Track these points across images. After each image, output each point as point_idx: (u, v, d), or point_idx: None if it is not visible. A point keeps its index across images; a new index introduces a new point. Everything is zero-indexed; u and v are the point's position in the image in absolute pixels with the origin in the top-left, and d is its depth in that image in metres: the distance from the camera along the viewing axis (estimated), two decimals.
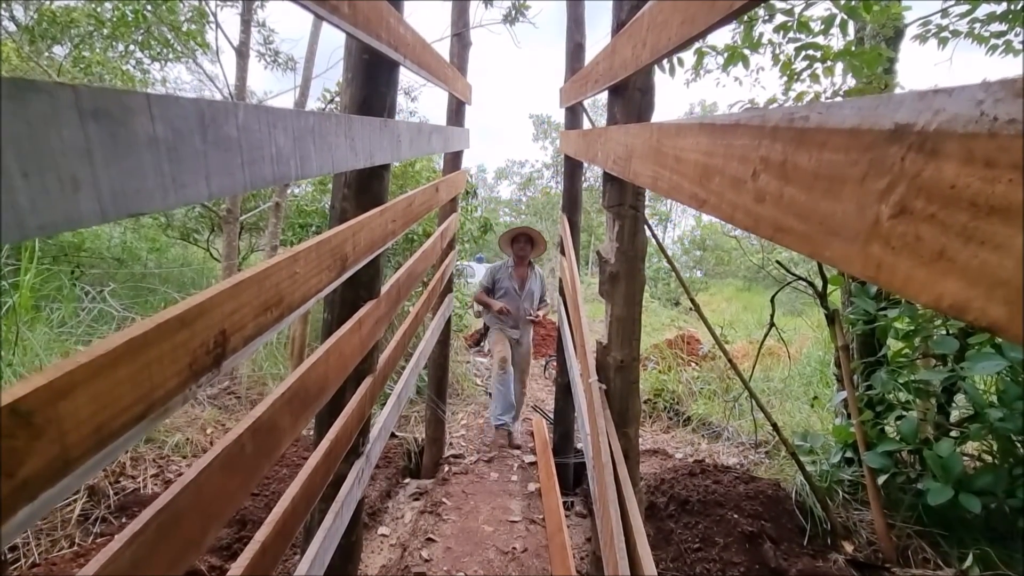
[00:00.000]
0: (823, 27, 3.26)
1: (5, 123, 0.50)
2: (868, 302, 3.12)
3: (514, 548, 3.17)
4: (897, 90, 3.46)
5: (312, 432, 1.90)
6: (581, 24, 4.21)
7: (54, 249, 5.46)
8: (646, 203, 2.16)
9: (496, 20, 6.04)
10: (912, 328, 2.99)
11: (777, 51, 3.70)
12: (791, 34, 3.36)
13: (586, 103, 3.72)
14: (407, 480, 4.11)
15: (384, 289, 2.08)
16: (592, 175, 15.58)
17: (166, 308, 0.78)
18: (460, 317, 7.09)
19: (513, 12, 6.00)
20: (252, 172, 0.94)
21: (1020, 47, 3.28)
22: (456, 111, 4.23)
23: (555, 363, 4.63)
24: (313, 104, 7.25)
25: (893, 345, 3.30)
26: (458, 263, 5.91)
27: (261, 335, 1.01)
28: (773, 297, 3.45)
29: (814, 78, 3.40)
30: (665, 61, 3.30)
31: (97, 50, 7.07)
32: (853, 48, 3.30)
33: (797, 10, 3.37)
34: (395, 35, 1.80)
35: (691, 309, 3.11)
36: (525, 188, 30.96)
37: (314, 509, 1.65)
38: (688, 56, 5.02)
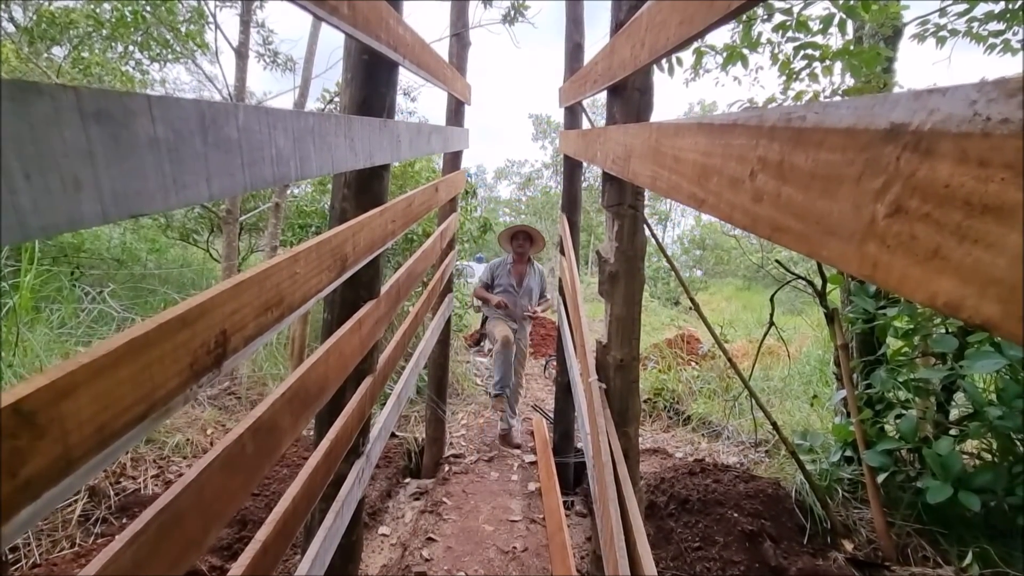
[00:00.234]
0: (822, 26, 3.27)
1: (8, 125, 0.51)
2: (867, 301, 3.12)
3: (514, 547, 3.17)
4: (896, 89, 3.46)
5: (312, 432, 1.91)
6: (580, 24, 4.21)
7: (54, 250, 5.47)
8: (646, 202, 2.16)
9: (495, 20, 6.04)
10: (911, 327, 2.99)
11: (776, 50, 3.70)
12: (790, 33, 3.36)
13: (585, 103, 3.73)
14: (407, 480, 4.11)
15: (384, 289, 2.08)
16: (592, 175, 15.58)
17: (166, 309, 0.78)
18: (460, 317, 7.09)
19: (512, 12, 6.00)
20: (252, 173, 0.94)
21: (1018, 46, 3.28)
22: (455, 111, 4.24)
23: (555, 363, 4.63)
24: (313, 104, 7.26)
25: (892, 344, 3.31)
26: (458, 263, 5.91)
27: (262, 335, 1.02)
28: (772, 296, 3.46)
29: (813, 77, 3.40)
30: (664, 61, 3.31)
31: (96, 51, 7.07)
32: (852, 47, 3.31)
33: (796, 9, 3.38)
34: (394, 35, 1.81)
35: (691, 308, 3.11)
36: (525, 188, 30.96)
37: (315, 509, 1.65)
38: (687, 56, 5.03)
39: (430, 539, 3.22)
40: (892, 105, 0.47)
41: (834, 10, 3.21)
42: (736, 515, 2.89)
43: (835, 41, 3.44)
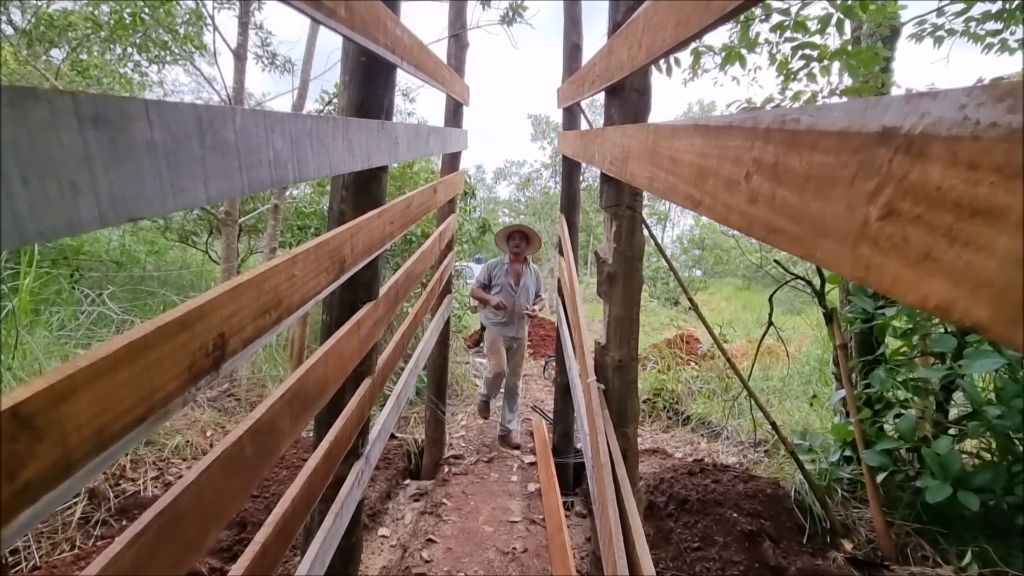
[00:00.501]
0: (819, 26, 3.27)
1: (6, 130, 0.51)
2: (866, 301, 3.13)
3: (514, 548, 3.18)
4: (894, 89, 3.47)
5: (311, 434, 1.91)
6: (578, 24, 4.22)
7: (53, 252, 5.46)
8: (645, 203, 2.17)
9: (493, 21, 6.05)
10: (910, 326, 3.00)
11: (774, 50, 3.71)
12: (787, 33, 3.37)
13: (584, 102, 3.73)
14: (407, 481, 4.11)
15: (383, 291, 2.08)
16: (591, 175, 15.58)
17: (165, 311, 0.78)
18: (459, 318, 7.10)
19: (510, 13, 6.01)
20: (250, 176, 0.94)
21: (1015, 45, 3.28)
22: (454, 112, 4.24)
23: (554, 363, 4.63)
24: (311, 105, 7.26)
25: (891, 343, 3.31)
26: (457, 264, 5.92)
27: (260, 337, 1.02)
28: (771, 296, 3.46)
29: (811, 77, 3.41)
30: (662, 61, 3.31)
31: (95, 53, 7.07)
32: (850, 47, 3.31)
33: (793, 10, 3.38)
34: (392, 37, 1.81)
35: (690, 308, 3.11)
36: (524, 188, 30.97)
37: (314, 510, 1.65)
38: (685, 56, 5.03)
39: (430, 540, 3.22)
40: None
41: (832, 10, 3.21)
42: (735, 515, 2.89)
43: (833, 41, 3.45)
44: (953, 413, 3.15)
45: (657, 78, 2.56)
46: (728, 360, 3.12)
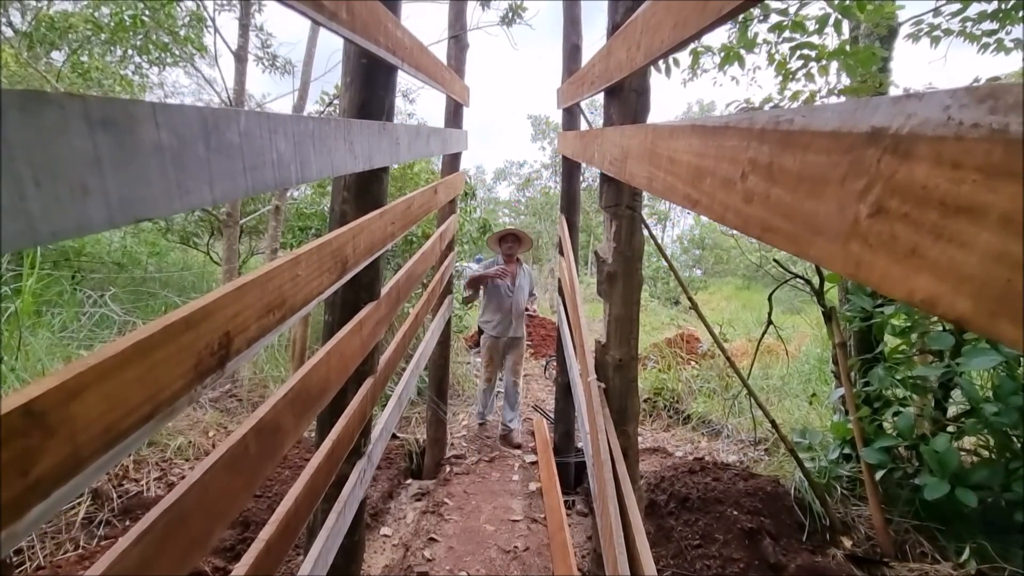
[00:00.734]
0: (817, 27, 3.28)
1: (18, 134, 0.52)
2: (864, 299, 3.14)
3: (516, 547, 3.19)
4: (892, 88, 3.48)
5: (314, 433, 1.92)
6: (578, 25, 4.23)
7: (55, 254, 5.48)
8: (644, 202, 2.18)
9: (493, 22, 6.06)
10: (908, 324, 3.01)
11: (772, 50, 3.72)
12: (786, 34, 3.38)
13: (584, 103, 3.74)
14: (409, 481, 4.13)
15: (384, 291, 2.10)
16: (590, 175, 15.60)
17: (167, 312, 0.80)
18: (460, 318, 7.11)
19: (510, 14, 6.02)
20: (254, 177, 0.96)
21: (1011, 45, 3.30)
22: (454, 113, 4.25)
23: (555, 363, 4.65)
24: (312, 106, 7.27)
25: (890, 342, 3.33)
26: (457, 264, 5.93)
27: (264, 337, 1.03)
28: (770, 296, 3.47)
29: (809, 77, 3.42)
30: (661, 62, 3.32)
31: (95, 55, 7.08)
32: (848, 47, 3.32)
33: (792, 10, 3.39)
34: (393, 39, 1.82)
35: (690, 308, 3.13)
36: (524, 188, 30.97)
37: (317, 509, 1.67)
38: (684, 56, 5.04)
39: (432, 539, 3.24)
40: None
41: (830, 10, 3.22)
42: (736, 513, 2.90)
43: (831, 41, 3.46)
44: (951, 411, 3.17)
45: (656, 78, 2.57)
46: (728, 359, 3.13)
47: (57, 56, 7.18)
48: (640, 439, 4.52)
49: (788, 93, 3.55)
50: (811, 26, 3.33)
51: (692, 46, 4.10)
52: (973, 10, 3.19)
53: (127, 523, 2.72)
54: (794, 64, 3.40)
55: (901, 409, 3.11)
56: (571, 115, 4.11)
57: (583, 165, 3.70)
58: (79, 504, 2.71)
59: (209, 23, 6.40)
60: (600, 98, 2.40)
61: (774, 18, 3.39)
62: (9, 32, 6.98)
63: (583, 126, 4.13)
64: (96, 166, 0.61)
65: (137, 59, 7.15)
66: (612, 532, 1.57)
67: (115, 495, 2.86)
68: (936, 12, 3.35)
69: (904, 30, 3.57)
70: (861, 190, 0.49)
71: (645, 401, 5.55)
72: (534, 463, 4.36)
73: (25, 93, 0.53)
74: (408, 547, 3.16)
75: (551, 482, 3.66)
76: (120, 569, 0.75)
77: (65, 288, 4.61)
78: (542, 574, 2.97)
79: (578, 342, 2.64)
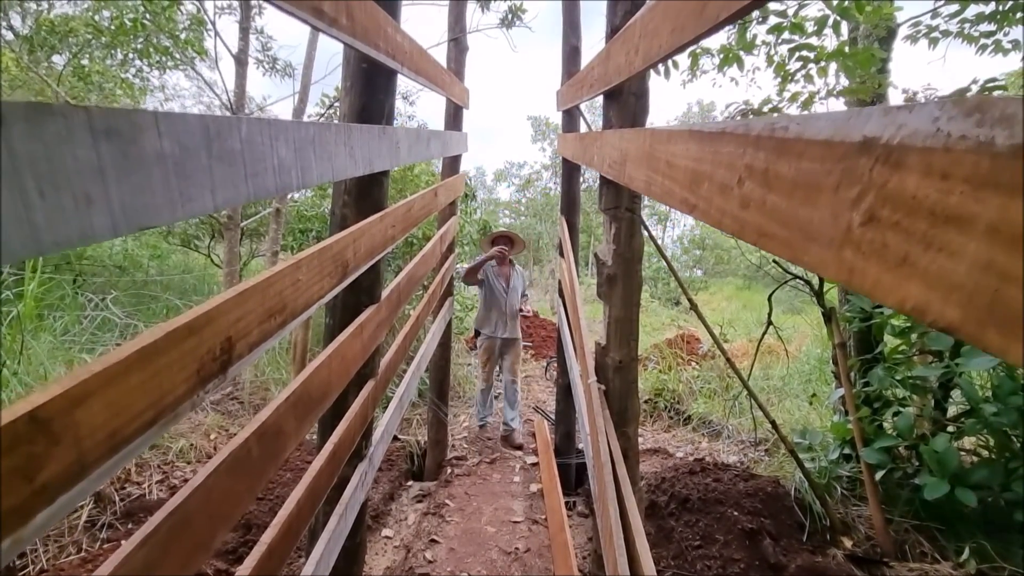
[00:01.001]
0: (816, 28, 3.29)
1: (23, 145, 0.53)
2: (864, 300, 3.14)
3: (517, 548, 3.20)
4: (891, 89, 3.48)
5: (315, 436, 1.93)
6: (577, 27, 4.24)
7: (56, 258, 5.49)
8: (645, 203, 2.19)
9: (493, 25, 6.08)
10: (908, 325, 3.01)
11: (771, 52, 3.73)
12: (785, 35, 3.38)
13: (583, 105, 3.75)
14: (410, 482, 4.13)
15: (385, 294, 2.11)
16: (591, 176, 15.59)
17: (168, 315, 0.81)
18: (461, 320, 7.11)
19: (510, 16, 6.04)
20: (255, 184, 0.96)
21: (1009, 46, 3.30)
22: (454, 115, 4.26)
23: (556, 364, 4.67)
24: (312, 109, 7.29)
25: (889, 342, 3.33)
26: (458, 266, 5.94)
27: (265, 341, 1.04)
28: (770, 296, 3.48)
29: (808, 78, 3.43)
30: (659, 65, 3.33)
31: (96, 59, 7.10)
32: (846, 48, 3.33)
33: (790, 11, 3.40)
34: (392, 43, 1.83)
35: (691, 309, 3.13)
36: (524, 190, 30.98)
37: (319, 512, 1.68)
38: (683, 58, 5.05)
39: (433, 541, 3.24)
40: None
41: (828, 11, 3.23)
42: (736, 513, 2.91)
43: (830, 42, 3.47)
44: (951, 411, 3.17)
45: (655, 80, 2.58)
46: (728, 360, 3.13)
47: (58, 60, 7.20)
48: (641, 440, 4.53)
49: (787, 94, 3.56)
50: (810, 27, 3.34)
51: (691, 48, 4.10)
52: (971, 12, 3.19)
53: (129, 526, 2.73)
54: (793, 65, 3.41)
55: (901, 409, 3.11)
56: (571, 117, 4.12)
57: (583, 166, 3.71)
58: (81, 507, 2.72)
59: (209, 26, 6.42)
60: (600, 99, 2.41)
61: (773, 19, 3.40)
62: (10, 36, 7.00)
63: (583, 128, 4.14)
64: (100, 176, 0.62)
65: (138, 62, 7.17)
66: (612, 533, 1.57)
67: (117, 498, 2.87)
68: (934, 14, 3.35)
69: (903, 31, 3.58)
70: (854, 198, 0.49)
71: (646, 402, 5.55)
72: (535, 464, 4.36)
73: (30, 104, 0.54)
74: (409, 549, 3.17)
75: (552, 483, 3.66)
76: (124, 572, 0.76)
77: (67, 292, 4.62)
78: (543, 575, 2.98)
79: (578, 344, 2.65)
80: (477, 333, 5.07)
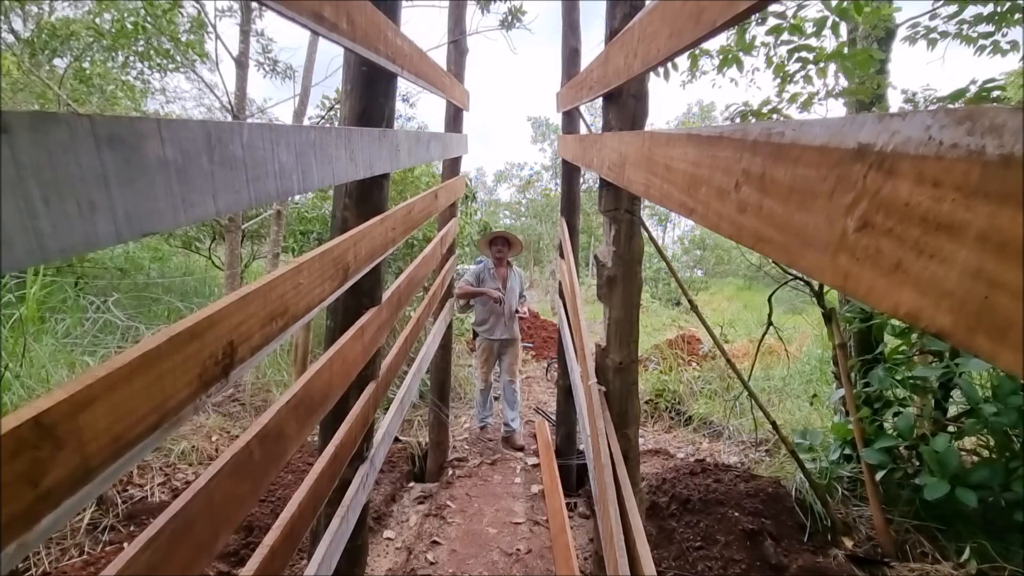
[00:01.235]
0: (815, 29, 3.29)
1: (28, 154, 0.54)
2: None
3: (518, 550, 3.20)
4: (889, 90, 3.49)
5: (317, 438, 1.94)
6: (576, 29, 4.24)
7: (58, 260, 5.49)
8: (645, 204, 2.19)
9: (493, 27, 6.09)
10: (907, 325, 3.02)
11: (771, 53, 3.73)
12: (784, 36, 3.39)
13: (583, 106, 3.76)
14: (411, 484, 4.14)
15: (385, 296, 2.11)
16: (591, 177, 15.57)
17: (169, 317, 0.82)
18: (461, 321, 7.11)
19: (509, 18, 6.05)
20: (256, 188, 0.97)
21: (1007, 47, 3.31)
22: (454, 117, 4.27)
23: (556, 366, 4.67)
24: (312, 111, 7.31)
25: (890, 342, 3.33)
26: (458, 267, 5.95)
27: (267, 345, 1.05)
28: (770, 297, 3.48)
29: (807, 79, 3.43)
30: (659, 67, 3.34)
31: (97, 61, 7.12)
32: (845, 49, 3.33)
33: (789, 13, 3.41)
34: (392, 47, 1.84)
35: (691, 309, 3.13)
36: (525, 190, 30.98)
37: (320, 514, 1.68)
38: (683, 59, 5.06)
39: (434, 542, 3.25)
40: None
41: (827, 13, 3.24)
42: (737, 514, 2.91)
43: (829, 43, 3.47)
44: (951, 411, 3.17)
45: (655, 80, 2.59)
46: (728, 360, 3.14)
47: (59, 63, 7.22)
48: (642, 441, 4.53)
49: (787, 95, 3.56)
50: (809, 28, 3.34)
51: (689, 51, 4.10)
52: (969, 12, 3.20)
53: (131, 529, 2.74)
54: (792, 66, 3.41)
55: (901, 409, 3.12)
56: (571, 118, 4.12)
57: (583, 168, 3.71)
58: (84, 510, 2.72)
59: (210, 29, 6.43)
60: (599, 100, 2.41)
61: (772, 21, 3.40)
62: (11, 39, 7.02)
63: (583, 129, 4.15)
64: (103, 182, 0.63)
65: (139, 65, 7.18)
66: (613, 534, 1.58)
67: (119, 501, 2.87)
68: (933, 15, 3.36)
69: (901, 32, 3.58)
70: (848, 204, 0.50)
71: (646, 403, 5.56)
72: (536, 466, 4.37)
73: (35, 113, 0.55)
74: (411, 550, 3.17)
75: (553, 484, 3.67)
76: (128, 574, 0.77)
77: (68, 294, 4.63)
78: None
79: (579, 345, 2.65)
80: (475, 334, 5.08)
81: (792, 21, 3.35)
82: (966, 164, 0.37)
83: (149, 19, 5.93)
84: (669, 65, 3.71)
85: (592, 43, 4.21)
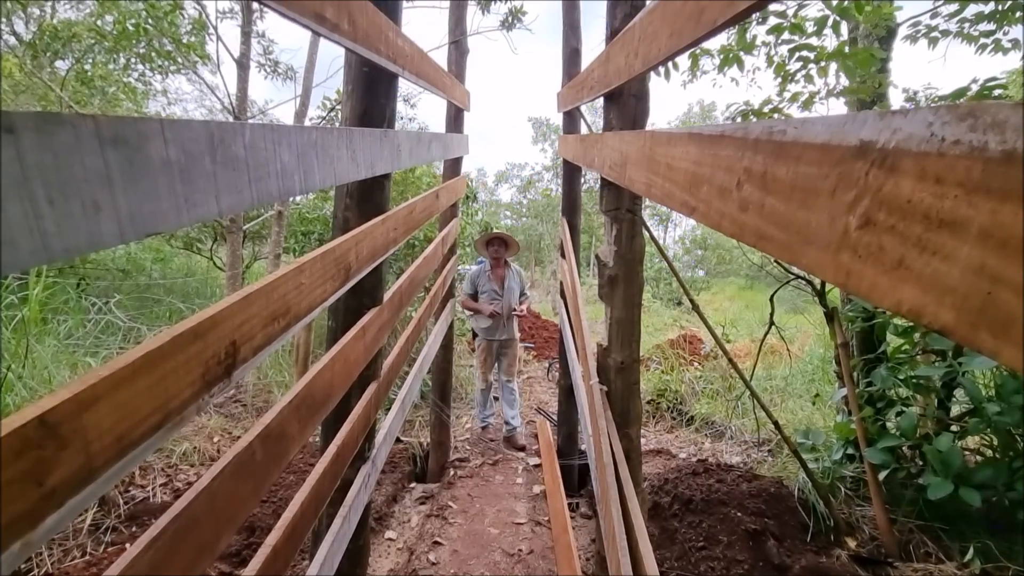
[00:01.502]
0: (816, 28, 3.29)
1: (33, 155, 0.54)
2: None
3: (520, 550, 3.20)
4: (891, 89, 3.49)
5: (319, 438, 1.94)
6: (577, 29, 4.25)
7: (60, 261, 5.50)
8: (646, 203, 2.19)
9: (493, 27, 6.10)
10: (910, 324, 3.01)
11: (771, 52, 3.73)
12: (784, 35, 3.39)
13: (583, 106, 3.76)
14: (413, 484, 4.14)
15: (387, 296, 2.11)
16: (592, 177, 15.57)
17: (171, 318, 0.82)
18: (462, 321, 7.12)
19: (510, 18, 6.05)
20: (259, 189, 0.97)
21: (1008, 45, 3.30)
22: (455, 117, 4.27)
23: (558, 366, 4.67)
24: (314, 112, 7.31)
25: (892, 341, 3.33)
26: (460, 268, 5.95)
27: (269, 345, 1.05)
28: (772, 296, 3.48)
29: (808, 79, 3.43)
30: (660, 66, 3.34)
31: (99, 63, 7.13)
32: (846, 48, 3.33)
33: (790, 12, 3.40)
34: (394, 48, 1.84)
35: (693, 309, 3.13)
36: (525, 191, 30.99)
37: (322, 514, 1.68)
38: (683, 59, 5.06)
39: (436, 543, 3.25)
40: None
41: (828, 12, 3.23)
42: (739, 514, 2.91)
43: (830, 43, 3.47)
44: (954, 410, 3.17)
45: (656, 80, 2.59)
46: (730, 360, 3.14)
47: (61, 65, 7.23)
48: (644, 441, 4.54)
49: (787, 94, 3.56)
50: (809, 28, 3.34)
51: (689, 51, 4.10)
52: (970, 11, 3.19)
53: (133, 529, 2.74)
54: (793, 66, 3.41)
55: (904, 409, 3.11)
56: (571, 118, 4.12)
57: (584, 168, 3.71)
58: (86, 511, 2.73)
59: (211, 31, 6.44)
60: (600, 100, 2.41)
61: (773, 20, 3.40)
62: (13, 41, 7.04)
63: (583, 129, 4.15)
64: (107, 183, 0.63)
65: (140, 67, 7.20)
66: (615, 534, 1.58)
67: (121, 501, 2.88)
68: (934, 13, 3.35)
69: (902, 31, 3.58)
70: (850, 202, 0.50)
71: (648, 403, 5.55)
72: (537, 466, 4.37)
73: (40, 114, 0.55)
74: (413, 551, 3.18)
75: (555, 485, 3.66)
76: (131, 574, 0.77)
77: (71, 295, 4.63)
78: None
79: (580, 345, 2.65)
80: (475, 335, 5.08)
81: (793, 20, 3.35)
82: (968, 161, 0.37)
83: (150, 21, 5.94)
84: (670, 65, 3.71)
85: (592, 43, 4.21)
